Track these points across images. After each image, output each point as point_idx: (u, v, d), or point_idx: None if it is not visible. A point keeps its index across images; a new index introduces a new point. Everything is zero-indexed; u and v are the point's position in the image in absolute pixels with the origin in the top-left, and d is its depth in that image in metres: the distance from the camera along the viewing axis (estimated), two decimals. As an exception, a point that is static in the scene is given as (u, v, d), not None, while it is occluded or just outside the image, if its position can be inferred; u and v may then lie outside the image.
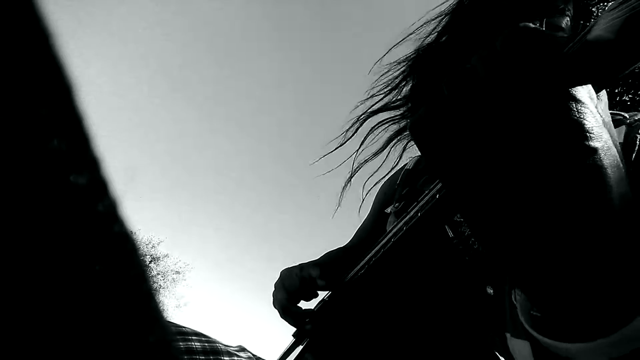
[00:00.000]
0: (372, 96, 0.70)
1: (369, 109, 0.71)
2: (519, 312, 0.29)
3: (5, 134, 0.10)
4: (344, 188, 0.76)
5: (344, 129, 0.72)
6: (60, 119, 0.12)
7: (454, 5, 0.63)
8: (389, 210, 0.72)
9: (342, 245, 0.87)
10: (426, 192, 0.45)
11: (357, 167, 0.73)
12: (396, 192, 0.73)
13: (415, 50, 0.67)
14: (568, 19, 0.53)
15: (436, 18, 0.65)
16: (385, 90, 0.69)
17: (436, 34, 0.65)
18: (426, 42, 0.66)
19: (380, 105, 0.70)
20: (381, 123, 0.71)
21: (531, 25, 0.25)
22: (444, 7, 0.64)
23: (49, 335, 0.11)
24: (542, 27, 0.52)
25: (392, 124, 0.71)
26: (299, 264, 0.74)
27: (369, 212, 0.86)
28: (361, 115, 0.71)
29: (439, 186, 0.40)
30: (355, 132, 0.72)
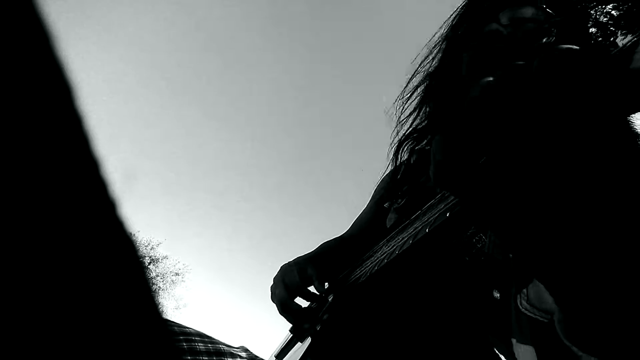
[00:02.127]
0: (402, 123, 0.78)
1: (404, 134, 0.78)
2: (557, 326, 0.29)
3: (6, 133, 0.10)
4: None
5: (388, 157, 0.81)
6: (60, 120, 0.12)
7: (446, 31, 0.69)
8: (388, 205, 0.73)
9: (338, 235, 0.88)
10: (434, 202, 0.45)
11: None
12: (397, 187, 0.74)
13: (423, 79, 0.74)
14: (534, 10, 0.54)
15: (435, 45, 0.71)
16: (413, 116, 0.77)
17: (438, 60, 0.70)
18: (431, 70, 0.72)
19: (411, 130, 0.77)
20: (406, 141, 0.78)
21: (572, 47, 0.25)
22: (440, 33, 0.71)
23: (50, 336, 0.11)
24: (507, 22, 0.53)
25: (414, 140, 0.78)
26: (297, 259, 0.74)
27: (368, 203, 0.87)
28: (397, 142, 0.78)
29: (450, 203, 0.39)
30: (396, 156, 0.80)
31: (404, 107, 0.76)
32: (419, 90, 0.74)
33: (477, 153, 0.27)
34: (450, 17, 0.68)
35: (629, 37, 0.26)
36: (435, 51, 0.71)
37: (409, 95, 0.75)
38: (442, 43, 0.69)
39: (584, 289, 0.25)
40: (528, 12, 0.54)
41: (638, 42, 0.24)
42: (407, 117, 0.76)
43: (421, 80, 0.73)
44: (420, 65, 0.73)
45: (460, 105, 0.27)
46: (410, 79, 0.75)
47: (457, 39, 0.64)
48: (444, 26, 0.69)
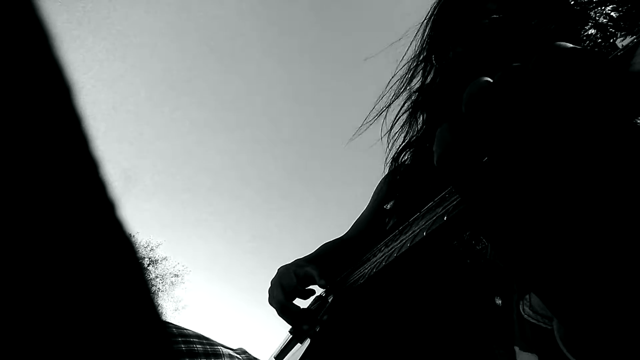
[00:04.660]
0: (394, 141, 0.76)
1: (396, 149, 0.76)
2: (557, 339, 0.28)
3: (5, 133, 0.10)
4: None
5: (382, 173, 0.79)
6: (59, 120, 0.12)
7: (421, 43, 0.68)
8: (388, 206, 0.73)
9: (339, 237, 0.87)
10: (433, 205, 0.45)
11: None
12: (396, 188, 0.74)
13: (409, 96, 0.72)
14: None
15: (413, 59, 0.70)
16: (404, 130, 0.75)
17: (420, 74, 0.70)
18: (415, 86, 0.71)
19: (404, 144, 0.75)
20: (404, 152, 0.76)
21: (570, 45, 0.24)
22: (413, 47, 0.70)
23: (49, 337, 0.11)
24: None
25: (412, 150, 0.76)
26: (296, 261, 0.74)
27: (368, 203, 0.87)
28: (388, 157, 0.77)
29: (448, 207, 0.39)
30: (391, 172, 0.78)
31: (393, 124, 0.75)
32: (405, 106, 0.73)
33: (479, 148, 0.26)
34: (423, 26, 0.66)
35: (629, 39, 0.26)
36: (414, 65, 0.70)
37: (397, 115, 0.74)
38: (420, 56, 0.68)
39: (583, 300, 0.24)
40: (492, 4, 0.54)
41: (638, 45, 0.24)
42: (397, 132, 0.75)
43: (406, 97, 0.72)
44: (400, 83, 0.72)
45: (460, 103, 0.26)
46: (393, 100, 0.73)
47: (439, 51, 0.63)
48: (418, 34, 0.68)
